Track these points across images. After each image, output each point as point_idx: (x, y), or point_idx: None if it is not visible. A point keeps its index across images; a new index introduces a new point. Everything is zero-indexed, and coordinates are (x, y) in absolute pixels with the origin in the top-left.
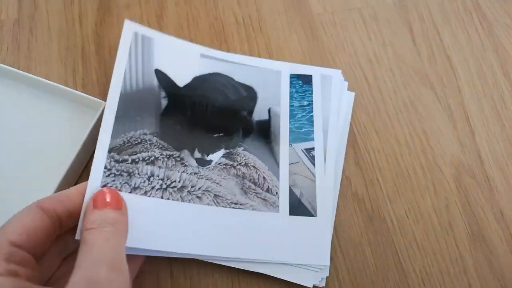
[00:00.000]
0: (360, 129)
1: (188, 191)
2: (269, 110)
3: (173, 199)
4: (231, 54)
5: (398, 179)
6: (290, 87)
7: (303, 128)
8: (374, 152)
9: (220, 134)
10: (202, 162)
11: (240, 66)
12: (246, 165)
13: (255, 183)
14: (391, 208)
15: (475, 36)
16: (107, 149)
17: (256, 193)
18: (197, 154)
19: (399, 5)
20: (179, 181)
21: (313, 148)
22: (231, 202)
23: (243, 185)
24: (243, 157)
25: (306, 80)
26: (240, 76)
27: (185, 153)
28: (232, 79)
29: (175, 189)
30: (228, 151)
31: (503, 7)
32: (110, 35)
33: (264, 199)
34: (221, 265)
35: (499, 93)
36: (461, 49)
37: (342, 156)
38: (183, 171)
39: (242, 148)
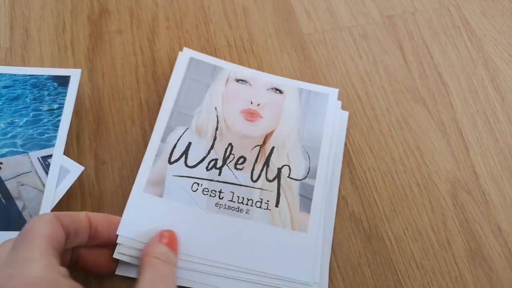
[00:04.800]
0: (355, 148)
1: None
2: None
3: None
4: None
5: (394, 198)
6: (43, 89)
7: (45, 134)
8: (369, 171)
9: None
10: None
11: None
12: None
13: None
14: (388, 227)
15: (464, 52)
16: None
17: None
18: None
19: (388, 23)
20: None
21: (51, 156)
22: None
23: None
24: None
25: (62, 81)
26: None
27: None
28: None
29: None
30: None
31: (490, 22)
32: (103, 61)
33: None
34: None
35: (491, 107)
36: (451, 65)
37: (338, 176)
38: None
39: None
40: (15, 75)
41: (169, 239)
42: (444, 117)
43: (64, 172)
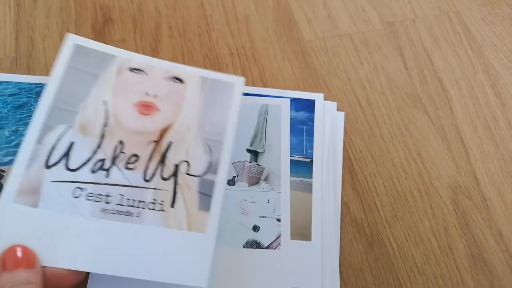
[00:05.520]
0: (356, 154)
1: None
2: None
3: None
4: None
5: (396, 203)
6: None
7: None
8: (371, 177)
9: None
10: None
11: None
12: None
13: None
14: (390, 233)
15: (465, 58)
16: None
17: None
18: None
19: (389, 30)
20: None
21: None
22: None
23: None
24: None
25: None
26: None
27: None
28: None
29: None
30: None
31: (491, 28)
32: None
33: None
34: None
35: (492, 113)
36: (452, 71)
37: (339, 182)
38: None
39: None
40: (20, 83)
41: (14, 260)
42: (444, 123)
43: None
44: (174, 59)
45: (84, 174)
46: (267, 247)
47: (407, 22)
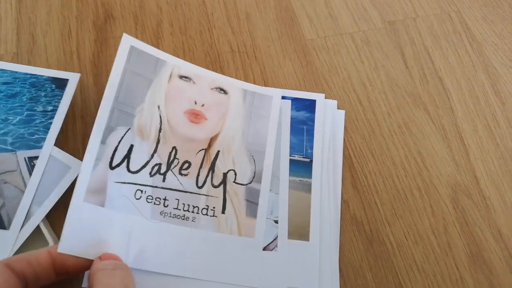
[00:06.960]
0: (356, 152)
1: None
2: None
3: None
4: None
5: (395, 201)
6: (40, 90)
7: (35, 135)
8: (371, 175)
9: None
10: None
11: None
12: None
13: None
14: (390, 231)
15: (465, 57)
16: None
17: None
18: None
19: (389, 28)
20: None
21: (37, 157)
22: None
23: None
24: None
25: (60, 84)
26: None
27: None
28: None
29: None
30: None
31: (491, 27)
32: (108, 66)
33: None
34: None
35: (492, 112)
36: (452, 70)
37: (339, 180)
38: None
39: None
40: (16, 72)
41: (109, 256)
42: (444, 122)
43: (65, 169)
44: (175, 56)
45: (144, 177)
46: (264, 249)
47: (408, 21)
